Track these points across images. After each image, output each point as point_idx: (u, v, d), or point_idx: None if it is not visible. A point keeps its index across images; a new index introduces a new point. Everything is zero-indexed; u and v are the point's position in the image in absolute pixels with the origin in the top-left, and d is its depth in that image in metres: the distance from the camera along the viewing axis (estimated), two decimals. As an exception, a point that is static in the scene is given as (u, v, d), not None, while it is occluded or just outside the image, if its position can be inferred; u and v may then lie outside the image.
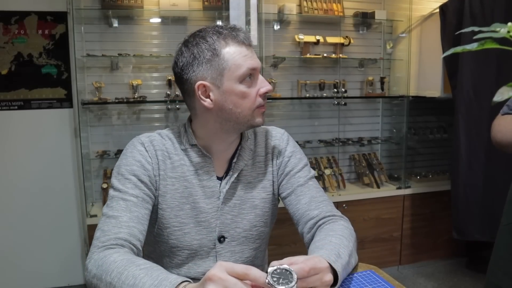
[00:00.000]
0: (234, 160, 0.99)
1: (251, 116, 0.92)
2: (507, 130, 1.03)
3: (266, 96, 0.94)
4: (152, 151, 0.94)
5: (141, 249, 0.85)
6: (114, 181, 0.91)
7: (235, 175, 0.98)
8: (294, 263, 0.68)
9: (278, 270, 0.64)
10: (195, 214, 0.96)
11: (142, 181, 0.91)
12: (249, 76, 0.89)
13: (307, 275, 0.68)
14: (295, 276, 0.64)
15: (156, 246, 1.01)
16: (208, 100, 0.90)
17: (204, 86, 0.89)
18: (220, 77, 0.88)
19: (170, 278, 0.67)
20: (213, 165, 0.97)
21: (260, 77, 0.92)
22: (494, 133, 1.08)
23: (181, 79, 0.92)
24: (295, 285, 0.63)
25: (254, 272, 0.61)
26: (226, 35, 0.88)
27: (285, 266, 0.65)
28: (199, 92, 0.89)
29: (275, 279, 0.63)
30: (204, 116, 0.93)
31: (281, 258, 0.69)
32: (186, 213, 0.95)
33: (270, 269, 0.65)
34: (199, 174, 0.96)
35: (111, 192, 0.91)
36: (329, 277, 0.72)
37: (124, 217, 0.85)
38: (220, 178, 0.98)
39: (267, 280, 0.62)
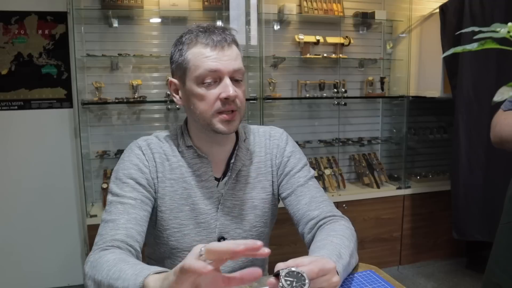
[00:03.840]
0: (232, 161, 0.99)
1: (210, 121, 0.89)
2: None
3: (234, 103, 0.88)
4: (149, 154, 0.95)
5: (139, 250, 0.85)
6: (112, 186, 0.92)
7: (234, 176, 0.98)
8: (301, 265, 0.67)
9: (289, 273, 0.64)
10: (195, 215, 0.96)
11: (140, 184, 0.91)
12: (213, 80, 0.87)
13: (316, 276, 0.67)
14: (307, 279, 0.64)
15: (156, 248, 1.01)
16: (177, 96, 0.94)
17: (175, 84, 0.94)
18: (184, 76, 0.90)
19: (152, 268, 0.67)
20: (211, 166, 0.97)
21: (227, 82, 0.87)
22: (500, 127, 1.03)
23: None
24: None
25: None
26: (197, 35, 0.88)
27: (296, 268, 0.65)
28: (171, 89, 0.95)
29: (288, 282, 0.62)
30: (188, 115, 0.97)
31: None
32: (185, 214, 0.95)
33: (281, 272, 0.64)
34: (197, 175, 0.96)
35: (109, 197, 0.91)
36: (336, 278, 0.71)
37: (121, 220, 0.85)
38: (218, 179, 0.98)
39: (280, 284, 0.62)
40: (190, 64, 0.88)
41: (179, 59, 0.90)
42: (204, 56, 0.86)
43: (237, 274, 0.55)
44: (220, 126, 0.89)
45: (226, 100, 0.87)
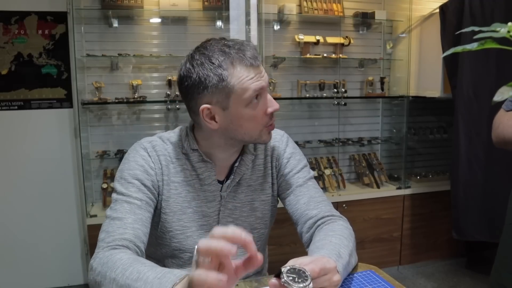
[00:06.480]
0: (236, 165, 0.99)
1: (258, 135, 0.91)
2: None
3: (274, 114, 0.92)
4: (155, 157, 0.94)
5: (144, 251, 0.85)
6: (117, 185, 0.92)
7: (237, 180, 0.98)
8: (302, 264, 0.67)
9: (291, 270, 0.64)
10: (197, 218, 0.96)
11: (145, 185, 0.91)
12: (256, 97, 0.87)
13: (317, 275, 0.67)
14: (309, 275, 0.64)
15: (158, 248, 1.01)
16: (213, 122, 0.88)
17: (209, 109, 0.87)
18: (227, 100, 0.86)
19: (174, 271, 0.68)
20: (215, 170, 0.97)
21: (268, 96, 0.90)
22: (503, 128, 1.02)
23: (186, 96, 0.90)
24: (311, 283, 0.63)
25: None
26: (233, 58, 0.84)
27: (297, 266, 0.65)
28: (204, 115, 0.87)
29: (290, 278, 0.63)
30: (208, 132, 0.92)
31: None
32: (188, 217, 0.96)
33: (283, 269, 0.64)
34: (200, 178, 0.96)
35: (114, 195, 0.91)
36: (337, 278, 0.72)
37: (128, 219, 0.85)
38: (221, 182, 0.98)
39: (283, 280, 0.62)
40: (236, 88, 0.84)
41: (219, 84, 0.84)
42: (249, 78, 0.85)
43: (239, 261, 0.60)
44: (266, 138, 0.93)
45: (272, 113, 0.91)
